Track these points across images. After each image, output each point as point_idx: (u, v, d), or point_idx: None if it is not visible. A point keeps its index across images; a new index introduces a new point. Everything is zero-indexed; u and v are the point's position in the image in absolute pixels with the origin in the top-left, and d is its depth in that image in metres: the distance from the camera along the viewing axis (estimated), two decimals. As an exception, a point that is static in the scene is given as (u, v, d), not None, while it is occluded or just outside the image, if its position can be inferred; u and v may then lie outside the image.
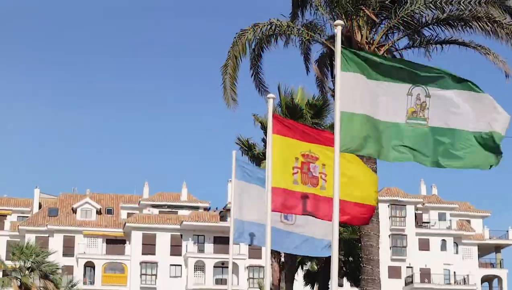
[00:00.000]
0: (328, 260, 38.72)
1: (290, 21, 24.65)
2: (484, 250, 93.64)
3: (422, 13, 23.54)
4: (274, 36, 24.50)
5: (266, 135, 31.94)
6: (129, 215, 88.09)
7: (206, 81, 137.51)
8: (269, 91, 25.55)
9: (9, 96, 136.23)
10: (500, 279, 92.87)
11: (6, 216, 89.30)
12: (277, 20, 24.21)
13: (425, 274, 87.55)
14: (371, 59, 11.55)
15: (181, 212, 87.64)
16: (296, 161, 13.62)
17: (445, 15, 23.39)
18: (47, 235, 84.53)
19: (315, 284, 45.40)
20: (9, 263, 58.61)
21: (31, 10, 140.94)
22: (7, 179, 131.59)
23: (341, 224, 13.39)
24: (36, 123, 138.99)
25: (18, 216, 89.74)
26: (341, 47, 11.43)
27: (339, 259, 34.69)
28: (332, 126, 32.84)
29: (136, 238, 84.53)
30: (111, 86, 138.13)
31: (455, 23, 23.43)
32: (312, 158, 13.63)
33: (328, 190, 13.59)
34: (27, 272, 56.37)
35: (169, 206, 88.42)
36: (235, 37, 24.25)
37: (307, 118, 34.96)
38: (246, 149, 37.18)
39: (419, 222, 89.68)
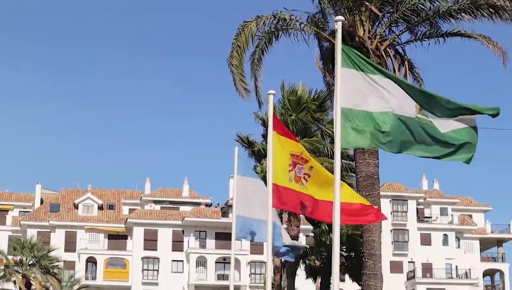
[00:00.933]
0: (329, 255, 38.66)
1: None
2: (486, 244, 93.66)
3: (423, 6, 23.49)
4: (277, 32, 24.38)
5: (266, 132, 31.87)
6: (130, 210, 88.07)
7: (207, 79, 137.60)
8: (266, 103, 25.21)
9: (11, 93, 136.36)
10: (502, 273, 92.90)
11: (7, 211, 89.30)
12: (281, 12, 24.09)
13: (427, 269, 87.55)
14: (370, 62, 11.48)
15: (182, 208, 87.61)
16: (290, 159, 13.72)
17: (445, 7, 23.34)
18: (49, 230, 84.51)
19: (317, 279, 45.33)
20: (11, 258, 58.66)
21: (31, 9, 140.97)
22: (9, 174, 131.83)
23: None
24: (38, 120, 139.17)
25: (19, 211, 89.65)
26: (342, 44, 11.39)
27: (341, 254, 34.73)
28: (332, 122, 32.88)
29: (138, 233, 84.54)
30: (112, 84, 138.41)
31: (456, 14, 23.35)
32: (302, 160, 13.71)
33: (309, 189, 13.68)
34: (28, 267, 56.47)
35: (170, 202, 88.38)
36: (238, 28, 24.17)
37: (309, 112, 34.91)
38: (246, 145, 37.09)
39: (420, 217, 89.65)
